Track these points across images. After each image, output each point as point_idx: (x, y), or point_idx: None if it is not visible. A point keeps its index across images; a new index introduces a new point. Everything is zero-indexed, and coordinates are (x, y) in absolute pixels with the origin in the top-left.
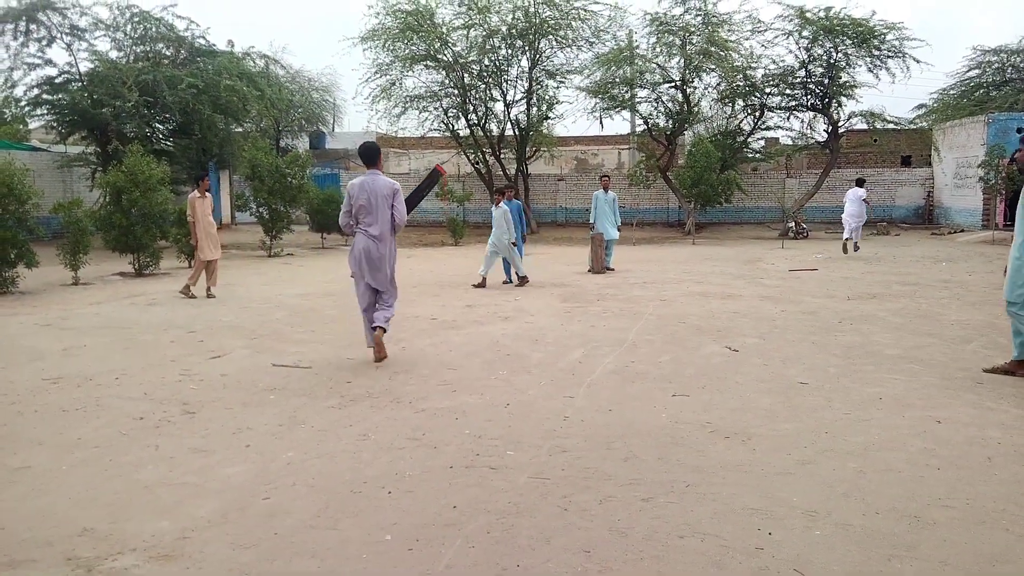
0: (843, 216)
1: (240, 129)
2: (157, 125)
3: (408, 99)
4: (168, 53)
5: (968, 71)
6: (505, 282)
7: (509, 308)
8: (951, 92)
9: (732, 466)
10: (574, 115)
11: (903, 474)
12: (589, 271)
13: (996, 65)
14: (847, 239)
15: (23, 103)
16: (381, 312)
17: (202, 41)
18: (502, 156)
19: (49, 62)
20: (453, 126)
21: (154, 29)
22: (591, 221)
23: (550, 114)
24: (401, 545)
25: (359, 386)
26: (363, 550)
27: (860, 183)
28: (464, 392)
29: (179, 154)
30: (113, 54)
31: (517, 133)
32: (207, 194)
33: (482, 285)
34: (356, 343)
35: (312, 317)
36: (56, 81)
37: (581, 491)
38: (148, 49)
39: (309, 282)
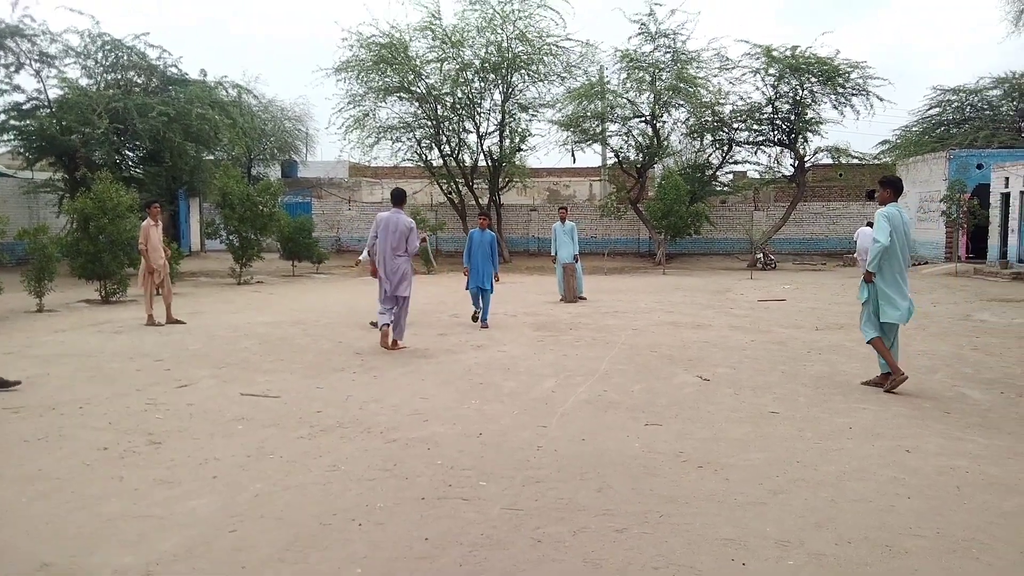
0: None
1: (211, 157)
2: (127, 152)
3: (381, 129)
4: (139, 81)
5: (929, 109)
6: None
7: (481, 337)
8: (913, 129)
9: (705, 496)
10: (546, 147)
11: (874, 503)
12: (561, 300)
13: (955, 104)
14: None
15: None
16: (398, 324)
17: (174, 70)
18: (475, 186)
19: (17, 88)
20: (426, 156)
21: (125, 57)
22: (552, 253)
23: (522, 146)
24: None
25: (329, 416)
26: None
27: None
28: (436, 422)
29: (149, 181)
30: (83, 81)
31: (490, 164)
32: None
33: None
34: (326, 372)
35: (282, 346)
36: (24, 107)
37: (555, 522)
38: (119, 77)
39: (279, 310)
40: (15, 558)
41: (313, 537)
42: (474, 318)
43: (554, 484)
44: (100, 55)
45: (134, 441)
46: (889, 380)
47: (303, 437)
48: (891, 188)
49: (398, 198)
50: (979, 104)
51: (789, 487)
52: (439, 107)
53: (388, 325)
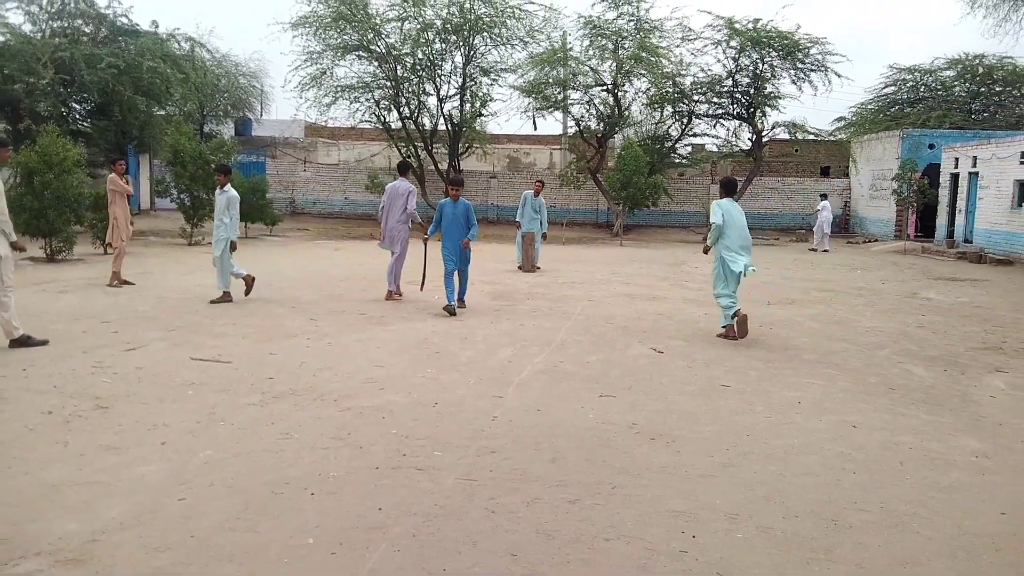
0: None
1: (162, 112)
2: (74, 105)
3: (339, 89)
4: (88, 31)
5: (885, 87)
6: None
7: (438, 305)
8: (869, 107)
9: (657, 468)
10: (507, 113)
11: (821, 478)
12: (519, 269)
13: (910, 83)
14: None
15: None
16: (394, 276)
17: (124, 20)
18: (434, 151)
19: None
20: (385, 118)
21: (73, 4)
22: (518, 218)
23: (483, 111)
24: (324, 549)
25: (281, 383)
26: (284, 554)
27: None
28: (391, 390)
29: (97, 136)
30: (27, 28)
31: (450, 128)
32: (125, 178)
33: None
34: (278, 337)
35: (233, 310)
36: None
37: (508, 493)
38: (66, 25)
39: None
40: None
41: (264, 505)
42: (449, 311)
43: (509, 454)
44: (45, 1)
45: (80, 405)
46: (729, 329)
47: (255, 404)
48: (724, 188)
49: (403, 168)
50: (933, 84)
51: (739, 460)
52: (399, 67)
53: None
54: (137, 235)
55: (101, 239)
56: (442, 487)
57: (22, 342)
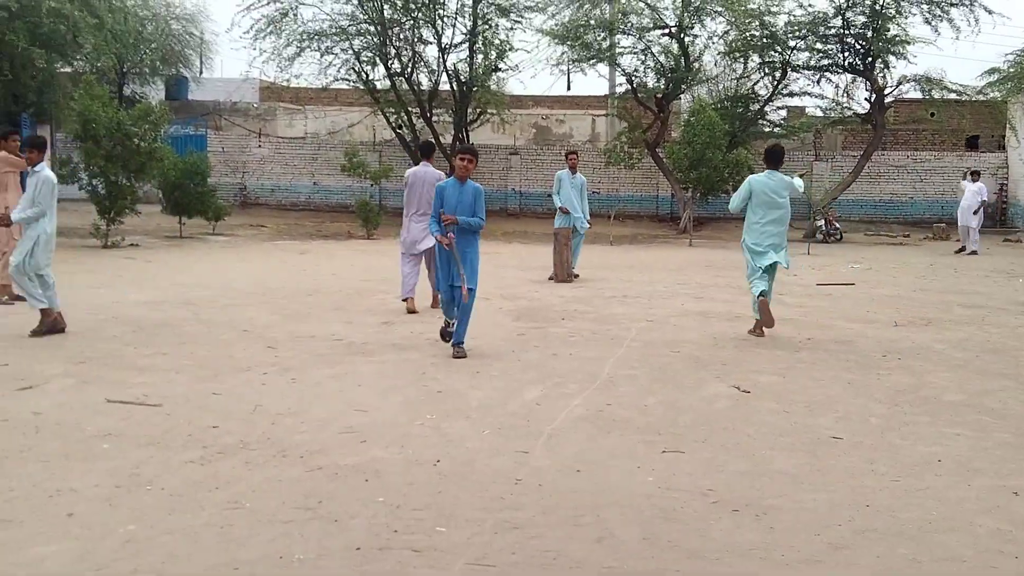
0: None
1: (68, 69)
2: None
3: (306, 36)
4: None
5: None
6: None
7: (440, 327)
8: None
9: (742, 550)
10: (534, 67)
11: (970, 564)
12: (550, 279)
13: None
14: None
15: None
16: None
17: None
18: (434, 118)
19: None
20: (368, 75)
21: None
22: (560, 204)
23: (501, 64)
24: None
25: (229, 432)
26: None
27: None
28: (377, 443)
29: None
30: None
31: (456, 88)
32: (19, 156)
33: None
34: (225, 372)
35: (164, 334)
36: None
37: None
38: None
39: (161, 285)
40: None
41: None
42: (444, 336)
43: (538, 531)
44: None
45: None
46: (756, 326)
47: (193, 461)
48: (768, 157)
49: (428, 150)
50: None
51: (855, 540)
52: (386, 7)
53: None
54: None
55: None
56: (447, 575)
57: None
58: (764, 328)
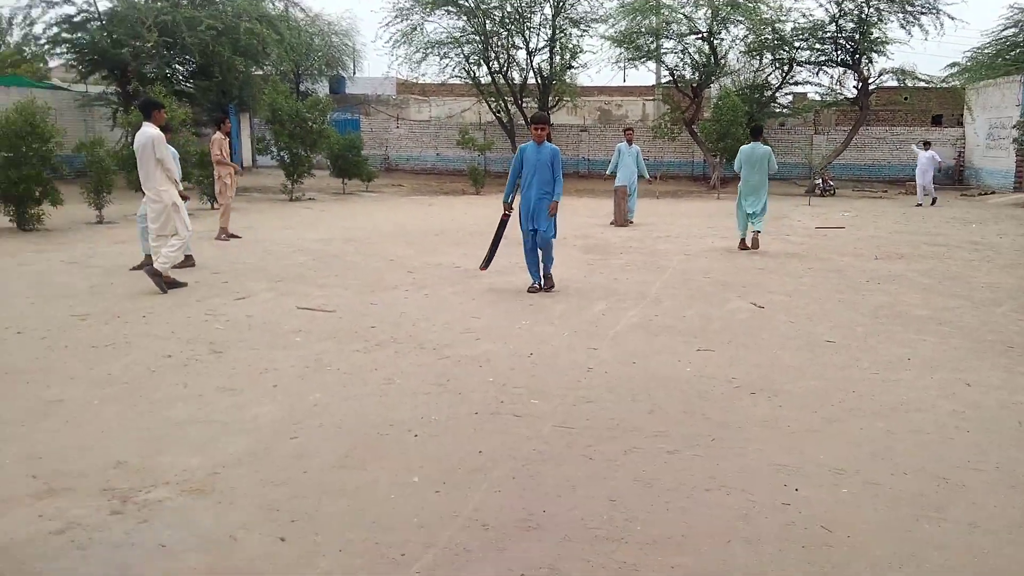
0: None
1: (260, 72)
2: (177, 66)
3: (429, 45)
4: None
5: (1004, 30)
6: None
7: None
8: (985, 51)
9: (758, 422)
10: (598, 65)
11: (932, 436)
12: (611, 224)
13: None
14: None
15: (42, 41)
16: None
17: None
18: (524, 105)
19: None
20: (474, 73)
21: None
22: (609, 171)
23: (573, 63)
24: (428, 487)
25: (383, 332)
26: (391, 491)
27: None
28: (487, 340)
29: (199, 96)
30: None
31: (540, 82)
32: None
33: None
34: (379, 289)
35: (334, 262)
36: (75, 19)
37: (606, 441)
38: None
39: (331, 227)
40: (92, 455)
41: (371, 446)
42: (533, 290)
43: (605, 404)
44: None
45: (196, 350)
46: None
47: (359, 351)
48: (752, 132)
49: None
50: None
51: (844, 416)
52: (488, 21)
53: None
54: (241, 191)
55: (208, 195)
56: (540, 434)
57: (171, 283)
58: (747, 245)
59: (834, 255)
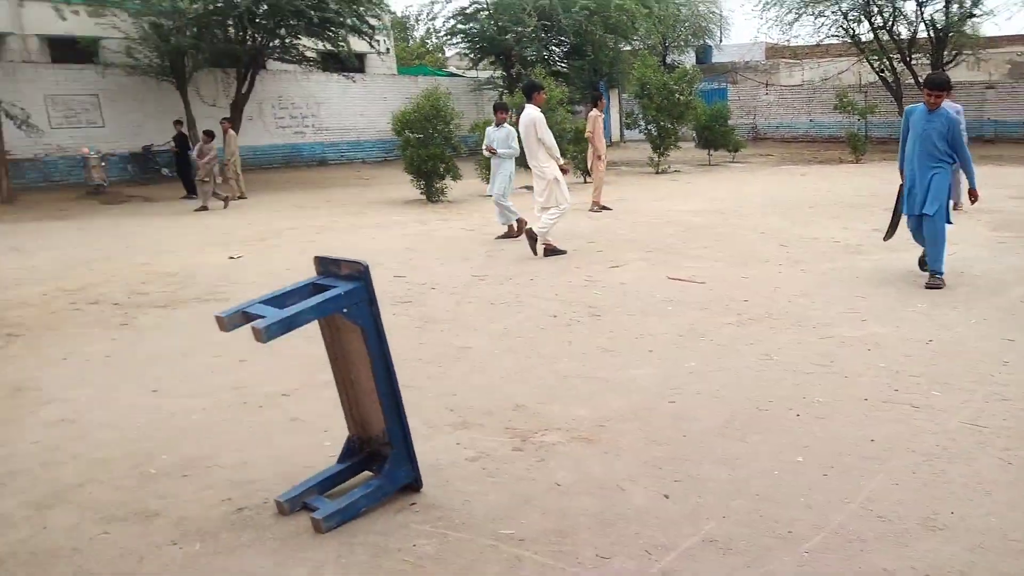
0: None
1: (628, 48)
2: (553, 48)
3: (802, 4)
4: None
5: None
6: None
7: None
8: None
9: None
10: (1008, 10)
11: None
12: None
13: None
14: None
15: (442, 33)
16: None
17: None
18: (912, 62)
19: None
20: (853, 31)
21: None
22: None
23: (975, 11)
24: (815, 469)
25: (756, 305)
26: (774, 466)
27: None
28: (875, 322)
29: (573, 75)
30: None
31: (932, 35)
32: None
33: None
34: (751, 262)
35: (703, 234)
36: (467, 12)
37: None
38: None
39: (698, 199)
40: (495, 397)
41: (750, 419)
42: (921, 264)
43: None
44: None
45: (577, 312)
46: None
47: (731, 323)
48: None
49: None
50: None
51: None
52: None
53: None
54: (610, 165)
55: (582, 169)
56: (944, 429)
57: (553, 250)
58: None
59: None
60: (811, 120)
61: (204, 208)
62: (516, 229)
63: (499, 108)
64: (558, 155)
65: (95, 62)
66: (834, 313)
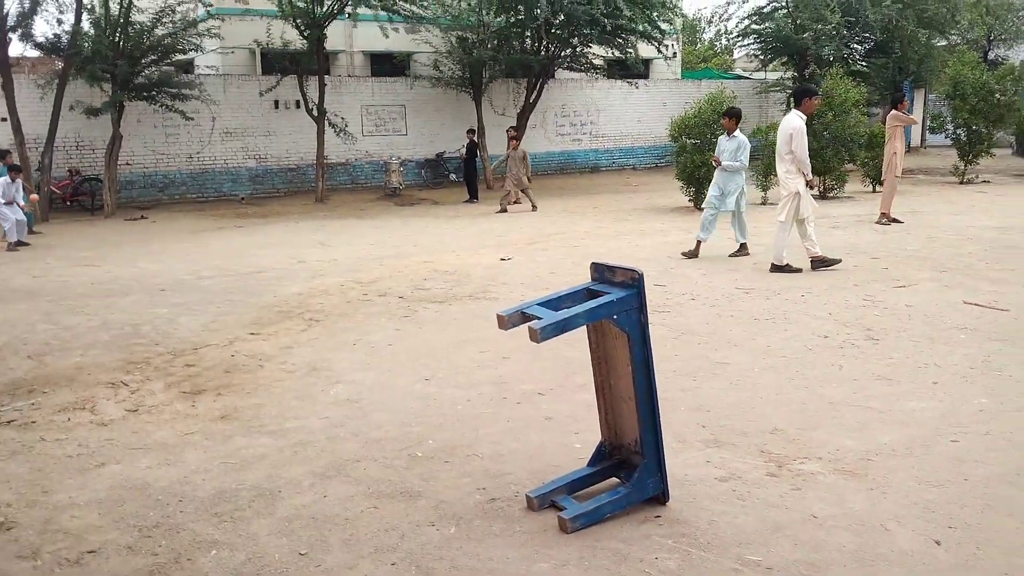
0: None
1: (944, 43)
2: (854, 46)
3: None
4: None
5: None
6: None
7: None
8: None
9: None
10: None
11: None
12: None
13: None
14: None
15: (733, 34)
16: None
17: None
18: None
19: None
20: None
21: None
22: None
23: None
24: None
25: None
26: None
27: None
28: None
29: (874, 74)
30: None
31: None
32: (908, 115)
33: None
34: None
35: (1011, 254)
36: (764, 11)
37: None
38: None
39: (1008, 213)
40: (751, 417)
41: None
42: None
43: None
44: None
45: (852, 334)
46: None
47: None
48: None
49: None
50: None
51: None
52: None
53: None
54: (906, 173)
55: (872, 177)
56: None
57: (822, 262)
58: None
59: None
60: None
61: (504, 211)
62: (742, 250)
63: (730, 115)
64: (808, 171)
65: (406, 75)
66: None
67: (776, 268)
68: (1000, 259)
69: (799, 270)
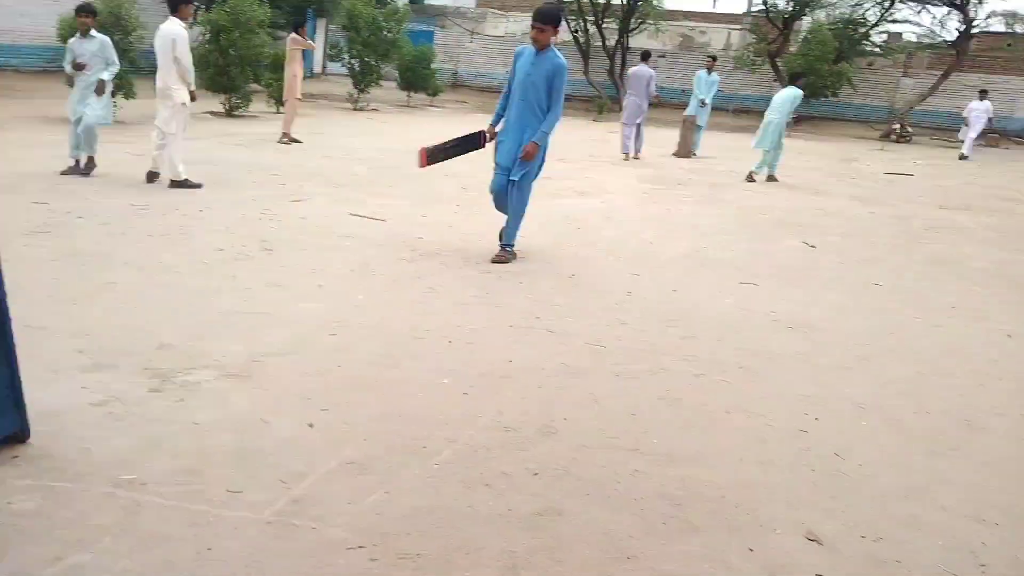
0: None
1: None
2: None
3: None
4: None
5: None
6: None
7: (587, 184)
8: None
9: (790, 355)
10: None
11: (963, 381)
12: (674, 154)
13: None
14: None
15: None
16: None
17: None
18: (603, 26)
19: None
20: None
21: None
22: (700, 97)
23: None
24: (457, 389)
25: (431, 243)
26: (420, 390)
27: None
28: (531, 259)
29: None
30: None
31: (625, 2)
32: (307, 40)
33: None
34: (431, 201)
35: (391, 173)
36: None
37: (635, 361)
38: None
39: (391, 138)
40: (138, 336)
41: (406, 348)
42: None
43: (640, 327)
44: None
45: (248, 246)
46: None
47: (405, 259)
48: (790, 77)
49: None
50: None
51: (878, 356)
52: None
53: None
54: (307, 97)
55: (275, 98)
56: (571, 349)
57: (182, 184)
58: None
59: (899, 202)
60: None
61: None
62: (83, 164)
63: (83, 11)
64: (192, 80)
65: None
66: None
67: (175, 184)
68: (382, 177)
69: (199, 185)
